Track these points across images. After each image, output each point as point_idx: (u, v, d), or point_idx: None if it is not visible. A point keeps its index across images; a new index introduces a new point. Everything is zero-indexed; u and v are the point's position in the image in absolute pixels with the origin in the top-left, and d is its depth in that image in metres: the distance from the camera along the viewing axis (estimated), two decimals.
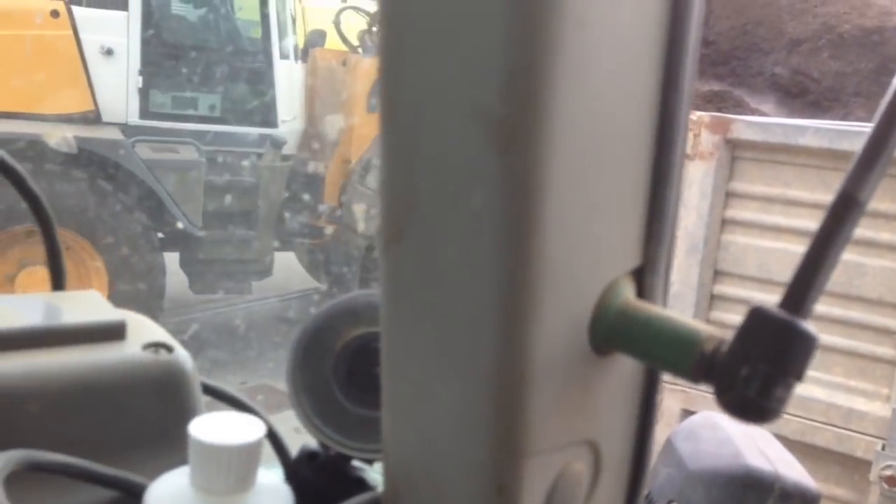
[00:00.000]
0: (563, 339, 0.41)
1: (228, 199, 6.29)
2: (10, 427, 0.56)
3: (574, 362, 0.42)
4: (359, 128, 6.64)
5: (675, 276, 2.72)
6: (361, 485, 0.59)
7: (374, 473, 0.61)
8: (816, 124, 2.61)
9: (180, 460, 0.51)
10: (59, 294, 0.73)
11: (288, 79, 6.68)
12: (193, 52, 6.34)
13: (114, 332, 0.64)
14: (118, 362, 0.62)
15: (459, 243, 0.40)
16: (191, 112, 6.41)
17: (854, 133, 2.48)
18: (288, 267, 7.19)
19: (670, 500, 0.93)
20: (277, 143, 6.49)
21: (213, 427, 0.48)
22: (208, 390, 0.68)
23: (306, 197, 6.83)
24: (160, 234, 6.15)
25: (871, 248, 2.52)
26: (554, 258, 0.39)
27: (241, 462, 0.48)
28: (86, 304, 0.68)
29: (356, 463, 0.61)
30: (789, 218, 2.64)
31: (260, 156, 6.43)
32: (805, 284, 0.38)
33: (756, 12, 6.79)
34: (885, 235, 2.51)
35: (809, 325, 0.38)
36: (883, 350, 2.53)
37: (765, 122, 2.68)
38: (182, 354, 0.65)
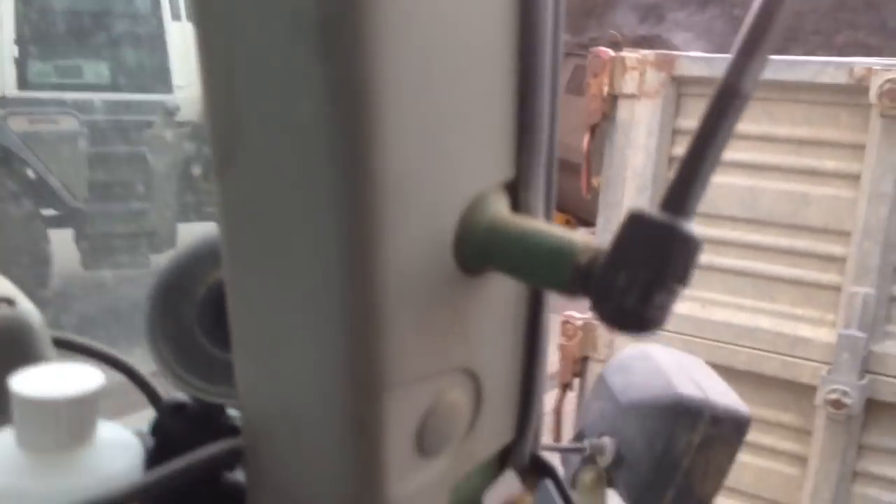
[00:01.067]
0: (422, 259, 0.39)
1: (117, 169, 6.06)
2: None
3: (438, 284, 0.40)
4: None
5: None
6: (237, 434, 0.57)
7: None
8: None
9: None
10: None
11: (183, 42, 6.38)
12: (76, 16, 6.04)
13: None
14: None
15: (292, 162, 0.37)
16: (76, 80, 6.12)
17: (798, 63, 2.50)
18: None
19: (601, 434, 0.94)
20: (169, 110, 6.22)
21: (38, 380, 0.44)
22: (61, 343, 0.64)
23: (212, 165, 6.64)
24: (51, 211, 5.91)
25: (815, 176, 2.57)
26: (398, 171, 0.36)
27: (72, 416, 0.44)
28: None
29: (233, 412, 0.58)
30: (736, 152, 2.67)
31: (152, 124, 6.18)
32: (687, 183, 0.36)
33: None
34: (828, 164, 2.55)
35: (692, 227, 0.37)
36: (828, 277, 2.59)
37: (709, 57, 2.69)
38: (26, 308, 0.60)
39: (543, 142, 0.43)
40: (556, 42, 0.42)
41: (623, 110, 2.72)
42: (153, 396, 0.62)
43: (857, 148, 2.52)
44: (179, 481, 0.44)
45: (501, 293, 0.44)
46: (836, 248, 2.59)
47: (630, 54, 2.70)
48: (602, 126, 2.74)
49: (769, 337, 2.60)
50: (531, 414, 0.49)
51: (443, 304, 0.41)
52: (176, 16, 6.40)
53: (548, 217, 0.45)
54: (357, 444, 0.40)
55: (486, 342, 0.44)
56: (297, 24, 0.34)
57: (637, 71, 2.67)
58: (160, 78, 6.32)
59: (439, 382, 0.42)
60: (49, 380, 0.44)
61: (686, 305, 2.70)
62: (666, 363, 0.96)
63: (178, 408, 0.57)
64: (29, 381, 0.44)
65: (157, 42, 6.29)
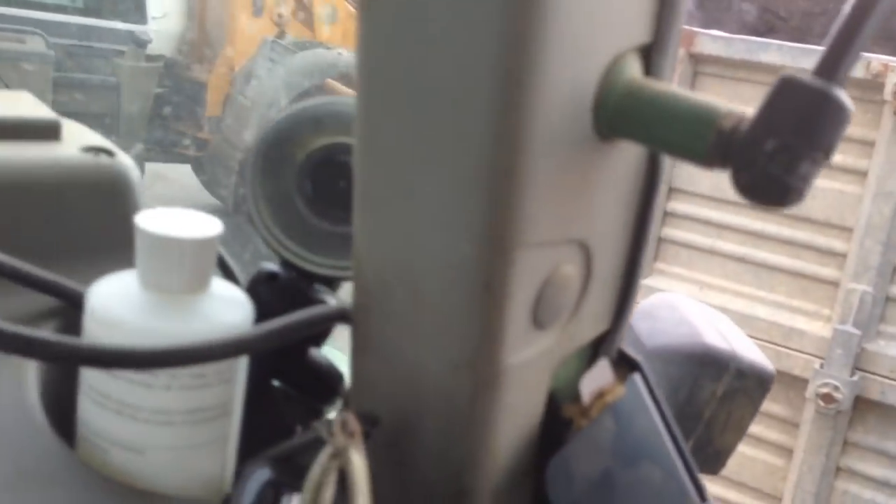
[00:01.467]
0: (564, 116, 0.38)
1: (82, 98, 5.73)
2: None
3: (574, 145, 0.39)
4: (242, 33, 6.14)
5: None
6: None
7: (337, 300, 0.58)
8: (780, 42, 2.61)
9: (123, 269, 0.48)
10: None
11: None
12: None
13: (48, 131, 0.61)
14: (54, 161, 0.59)
15: (447, 7, 0.35)
16: (46, 0, 5.83)
17: (814, 52, 2.48)
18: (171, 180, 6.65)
19: None
20: (140, 41, 5.91)
21: (162, 220, 0.44)
22: None
23: (186, 105, 6.31)
24: None
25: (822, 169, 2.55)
26: (555, 20, 0.35)
27: (195, 258, 0.44)
28: (18, 102, 0.65)
29: (318, 287, 0.58)
30: None
31: (122, 54, 5.87)
32: (842, 49, 0.35)
33: None
34: (836, 158, 2.54)
35: (844, 95, 0.35)
36: (827, 271, 2.60)
37: (729, 37, 2.67)
38: (125, 160, 0.61)
39: (683, 6, 0.42)
40: None
41: None
42: (232, 277, 0.62)
43: (867, 144, 2.52)
44: (289, 339, 0.44)
45: (624, 169, 0.43)
46: (837, 244, 2.59)
47: None
48: None
49: (764, 326, 2.61)
50: (628, 304, 0.49)
51: (575, 168, 0.40)
52: None
53: (671, 81, 0.44)
54: (481, 303, 0.39)
55: (603, 218, 0.44)
56: None
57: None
58: (134, 6, 6.04)
59: (559, 252, 0.42)
60: (172, 222, 0.44)
61: (684, 287, 2.70)
62: (693, 313, 0.95)
63: (271, 277, 0.57)
64: (154, 221, 0.44)
65: None
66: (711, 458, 0.92)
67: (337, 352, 0.54)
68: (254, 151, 0.56)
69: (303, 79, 5.86)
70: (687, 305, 0.97)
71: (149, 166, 6.18)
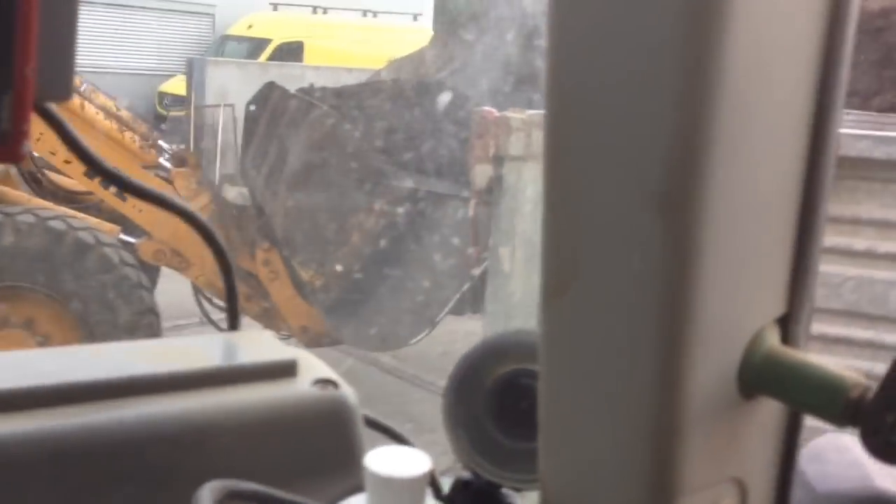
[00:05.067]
0: (714, 386, 0.46)
1: None
2: (203, 458, 0.65)
3: (723, 407, 0.47)
4: None
5: None
6: None
7: (521, 501, 0.69)
8: None
9: (349, 486, 0.61)
10: (235, 334, 0.84)
11: None
12: None
13: (287, 370, 0.73)
14: (292, 398, 0.71)
15: (619, 300, 0.45)
16: None
17: None
18: None
19: None
20: None
21: (385, 460, 0.55)
22: (369, 423, 0.77)
23: None
24: None
25: None
26: (707, 312, 0.44)
27: (412, 492, 0.55)
28: (260, 344, 0.79)
29: (506, 490, 0.69)
30: None
31: None
32: None
33: None
34: None
35: None
36: None
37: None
38: (347, 390, 0.73)
39: (812, 281, 0.50)
40: (827, 199, 0.50)
41: (510, 173, 2.60)
42: (432, 480, 0.69)
43: None
44: None
45: (769, 413, 0.51)
46: None
47: (515, 115, 2.65)
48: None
49: None
50: None
51: (725, 423, 0.48)
52: None
53: (805, 346, 0.52)
54: None
55: (753, 455, 0.52)
56: (641, 190, 0.43)
57: (522, 132, 2.60)
58: None
59: (718, 490, 0.49)
60: (393, 460, 0.56)
61: None
62: (862, 455, 0.97)
63: (466, 484, 0.69)
64: (380, 461, 0.55)
65: None
66: None
67: None
68: (449, 382, 0.67)
69: None
70: (857, 446, 0.98)
71: None
